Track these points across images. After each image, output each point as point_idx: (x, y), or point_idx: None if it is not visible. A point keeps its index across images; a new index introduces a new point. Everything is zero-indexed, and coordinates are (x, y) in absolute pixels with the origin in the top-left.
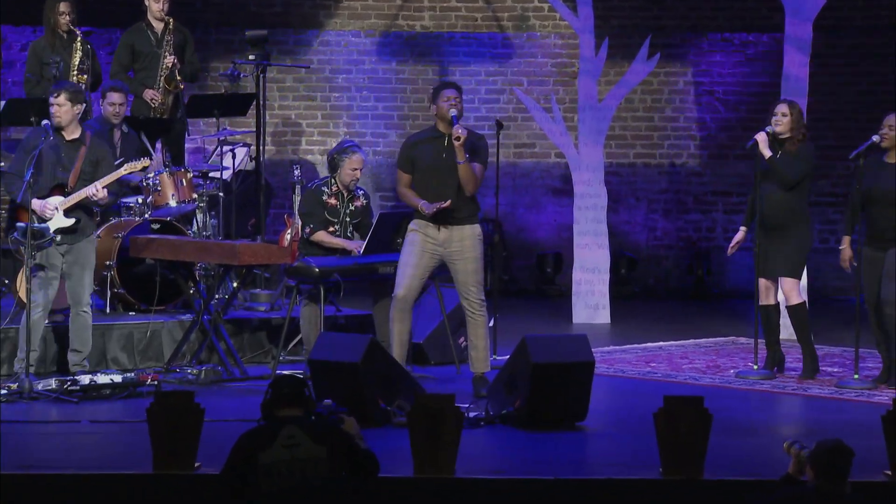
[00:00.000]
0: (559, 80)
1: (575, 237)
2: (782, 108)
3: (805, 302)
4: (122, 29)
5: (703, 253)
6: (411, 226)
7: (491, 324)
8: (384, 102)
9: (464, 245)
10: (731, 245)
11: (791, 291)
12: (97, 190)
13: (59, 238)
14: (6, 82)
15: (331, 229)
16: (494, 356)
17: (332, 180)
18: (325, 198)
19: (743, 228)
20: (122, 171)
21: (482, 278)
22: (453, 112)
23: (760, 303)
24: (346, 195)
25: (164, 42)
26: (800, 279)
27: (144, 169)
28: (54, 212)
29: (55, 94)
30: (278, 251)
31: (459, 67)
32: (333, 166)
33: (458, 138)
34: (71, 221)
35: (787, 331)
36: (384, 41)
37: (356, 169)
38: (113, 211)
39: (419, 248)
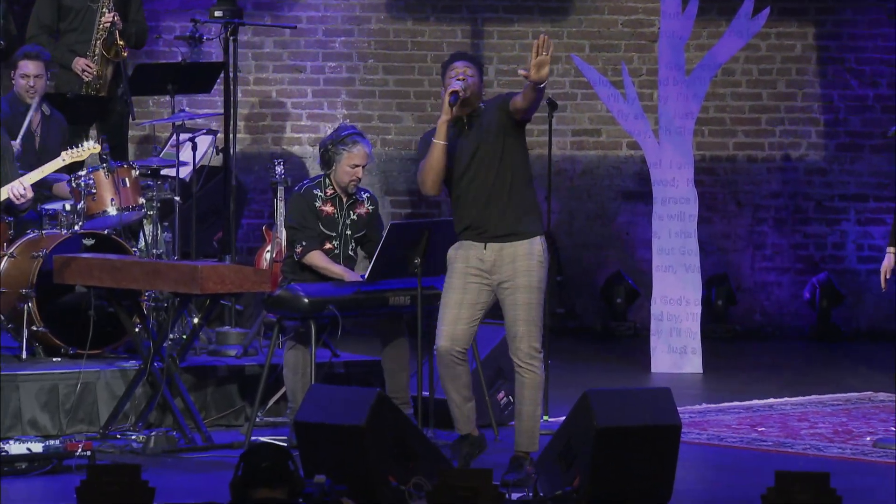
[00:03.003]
0: (633, 43)
1: (654, 257)
2: None
3: None
4: None
5: (829, 278)
6: (450, 252)
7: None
8: (396, 75)
9: (515, 268)
10: (883, 274)
11: None
12: (25, 189)
13: None
14: None
15: (327, 246)
16: (546, 417)
17: (327, 180)
18: (318, 204)
19: (892, 250)
20: (62, 161)
21: (539, 317)
22: (456, 86)
23: None
24: (345, 200)
25: None
26: None
27: (102, 157)
28: None
29: None
30: (254, 275)
31: (498, 27)
32: (328, 161)
33: (454, 93)
34: None
35: None
36: None
37: (357, 166)
38: (31, 220)
39: (460, 278)
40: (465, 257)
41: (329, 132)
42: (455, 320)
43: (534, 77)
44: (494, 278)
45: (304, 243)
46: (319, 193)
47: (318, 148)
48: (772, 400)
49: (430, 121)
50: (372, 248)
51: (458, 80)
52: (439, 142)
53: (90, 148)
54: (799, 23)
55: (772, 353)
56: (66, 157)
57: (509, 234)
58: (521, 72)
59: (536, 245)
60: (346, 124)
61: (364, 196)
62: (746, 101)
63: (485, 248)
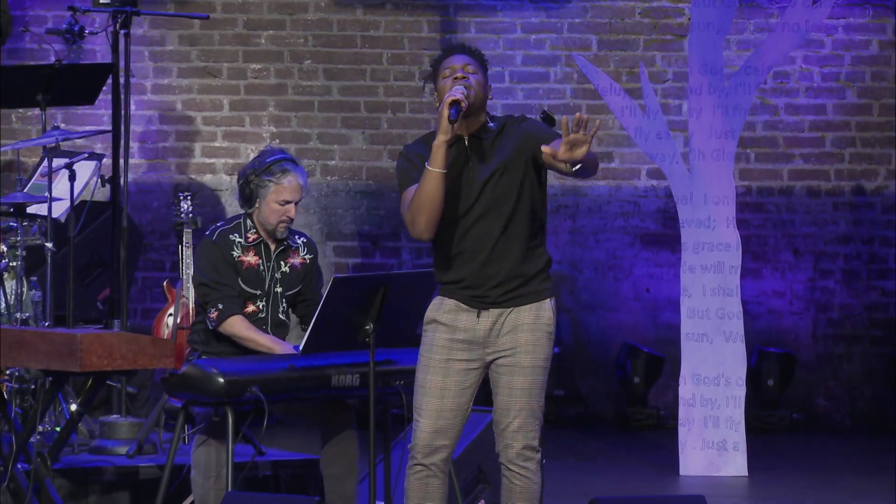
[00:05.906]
0: (655, 39)
1: (683, 322)
2: None
3: None
4: None
5: None
6: (429, 312)
7: None
8: (342, 81)
9: (516, 341)
10: None
11: None
12: None
13: None
14: None
15: (250, 309)
16: None
17: (248, 222)
18: (237, 254)
19: None
20: None
21: (540, 406)
22: (457, 94)
23: None
24: (273, 247)
25: None
26: None
27: None
28: None
29: None
30: (152, 347)
31: (477, 18)
32: (249, 197)
33: (455, 104)
34: None
35: None
36: None
37: (288, 202)
38: None
39: (442, 353)
40: (450, 326)
41: (251, 157)
42: (438, 411)
43: (562, 156)
44: (487, 352)
45: (219, 306)
46: (238, 239)
47: (236, 179)
48: None
49: (386, 141)
50: (308, 310)
51: (458, 81)
52: (435, 170)
53: None
54: (875, 12)
55: (839, 449)
56: None
57: (512, 299)
58: (544, 149)
59: (545, 311)
60: (274, 147)
61: (299, 241)
62: (806, 114)
63: (478, 316)
